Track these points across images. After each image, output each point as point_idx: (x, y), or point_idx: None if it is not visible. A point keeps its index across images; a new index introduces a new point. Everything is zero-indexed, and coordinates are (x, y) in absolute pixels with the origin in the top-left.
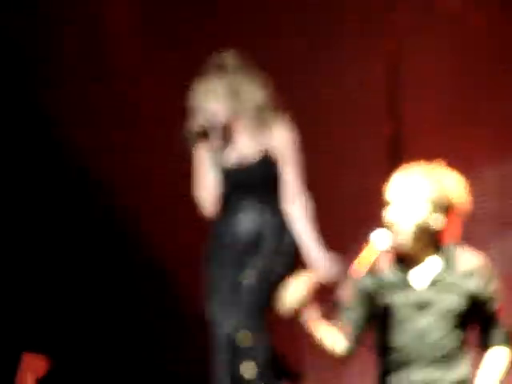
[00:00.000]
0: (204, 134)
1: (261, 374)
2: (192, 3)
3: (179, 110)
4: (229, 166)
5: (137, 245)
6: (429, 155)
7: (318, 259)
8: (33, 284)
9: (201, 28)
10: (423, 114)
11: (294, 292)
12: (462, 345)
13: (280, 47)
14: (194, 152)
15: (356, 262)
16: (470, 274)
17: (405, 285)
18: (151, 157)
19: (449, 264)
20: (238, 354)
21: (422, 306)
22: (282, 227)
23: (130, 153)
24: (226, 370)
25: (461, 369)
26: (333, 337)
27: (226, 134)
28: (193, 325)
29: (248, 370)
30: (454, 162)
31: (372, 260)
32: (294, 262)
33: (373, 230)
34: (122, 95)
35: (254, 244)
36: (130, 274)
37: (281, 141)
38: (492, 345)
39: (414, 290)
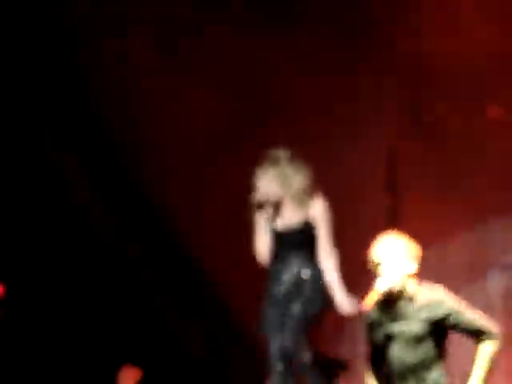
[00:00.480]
0: (260, 206)
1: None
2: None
3: None
4: (278, 230)
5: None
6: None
7: (343, 301)
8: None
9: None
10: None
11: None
12: (430, 359)
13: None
14: (254, 217)
15: (364, 301)
16: (426, 306)
17: (384, 319)
18: None
19: (411, 299)
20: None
21: (393, 335)
22: (319, 277)
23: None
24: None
25: (432, 376)
26: None
27: (277, 207)
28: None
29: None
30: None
31: (373, 299)
32: (327, 303)
33: (375, 279)
34: None
35: (296, 290)
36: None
37: (317, 213)
38: (478, 344)
39: (389, 323)
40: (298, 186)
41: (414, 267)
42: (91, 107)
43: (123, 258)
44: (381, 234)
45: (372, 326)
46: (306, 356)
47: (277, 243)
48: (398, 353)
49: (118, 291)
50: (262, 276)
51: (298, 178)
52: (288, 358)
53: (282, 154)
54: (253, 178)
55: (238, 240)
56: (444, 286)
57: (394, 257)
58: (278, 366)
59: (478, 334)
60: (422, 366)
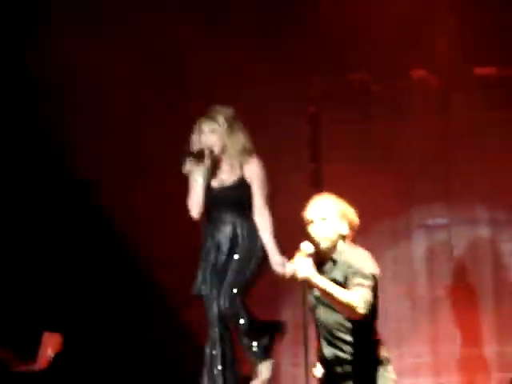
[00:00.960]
0: (199, 156)
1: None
2: None
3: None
4: (214, 187)
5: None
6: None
7: (276, 260)
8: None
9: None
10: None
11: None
12: (347, 322)
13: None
14: (190, 170)
15: (291, 261)
16: (340, 267)
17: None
18: None
19: (334, 261)
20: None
21: (317, 297)
22: (253, 237)
23: None
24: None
25: (351, 342)
26: None
27: (215, 162)
28: None
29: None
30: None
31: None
32: (264, 261)
33: (302, 241)
34: None
35: (233, 247)
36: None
37: (252, 171)
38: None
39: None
40: (237, 145)
41: (344, 227)
42: None
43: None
44: (310, 197)
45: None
46: (244, 319)
47: (211, 201)
48: (322, 315)
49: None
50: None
51: (237, 137)
52: (225, 322)
53: (224, 111)
54: (193, 129)
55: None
56: (368, 250)
57: (326, 215)
58: (215, 331)
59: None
60: (346, 328)
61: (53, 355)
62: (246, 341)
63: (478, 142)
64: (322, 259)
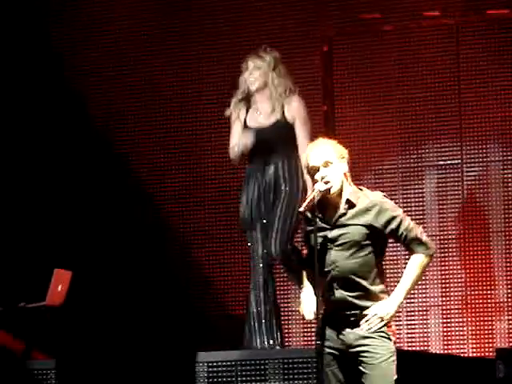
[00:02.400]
0: (241, 99)
1: None
2: None
3: None
4: (250, 125)
5: None
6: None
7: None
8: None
9: None
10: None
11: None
12: (370, 265)
13: None
14: (235, 108)
15: (304, 202)
16: (364, 210)
17: (323, 225)
18: None
19: (350, 204)
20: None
21: (332, 241)
22: (297, 176)
23: None
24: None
25: (368, 285)
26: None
27: (254, 101)
28: None
29: None
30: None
31: (313, 200)
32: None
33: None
34: None
35: (276, 189)
36: None
37: (294, 111)
38: (411, 254)
39: (328, 229)
40: (280, 85)
41: (345, 166)
42: None
43: None
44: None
45: (310, 230)
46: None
47: (252, 142)
48: (337, 258)
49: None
50: None
51: (281, 77)
52: (271, 268)
53: (271, 52)
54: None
55: None
56: (380, 188)
57: (329, 158)
58: (259, 279)
59: (413, 244)
60: (362, 273)
61: (64, 292)
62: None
63: (488, 82)
64: (334, 204)
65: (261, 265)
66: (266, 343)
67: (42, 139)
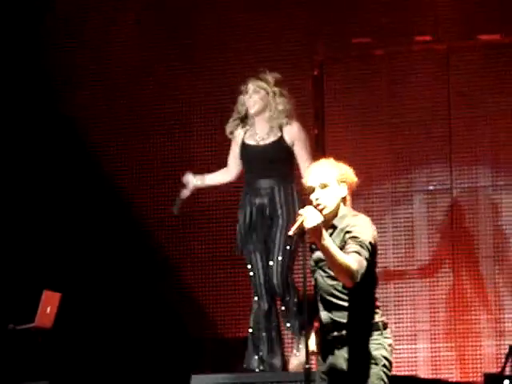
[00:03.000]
0: (241, 119)
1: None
2: None
3: None
4: (248, 143)
5: None
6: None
7: None
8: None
9: None
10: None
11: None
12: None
13: None
14: (233, 127)
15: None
16: (341, 231)
17: (313, 246)
18: None
19: (334, 226)
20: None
21: (317, 262)
22: (293, 201)
23: None
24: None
25: (352, 308)
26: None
27: (252, 123)
28: None
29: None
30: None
31: (301, 225)
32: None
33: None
34: None
35: (273, 214)
36: None
37: (295, 134)
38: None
39: (315, 250)
40: (280, 107)
41: (344, 190)
42: None
43: None
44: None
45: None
46: (291, 296)
47: (247, 159)
48: (319, 279)
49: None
50: None
51: (281, 100)
52: (272, 294)
53: (272, 74)
54: (240, 91)
55: None
56: (370, 215)
57: (327, 181)
58: (263, 303)
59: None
60: (340, 294)
61: (53, 314)
62: (290, 317)
63: (478, 107)
64: (328, 227)
65: (263, 291)
66: (263, 367)
67: (25, 161)
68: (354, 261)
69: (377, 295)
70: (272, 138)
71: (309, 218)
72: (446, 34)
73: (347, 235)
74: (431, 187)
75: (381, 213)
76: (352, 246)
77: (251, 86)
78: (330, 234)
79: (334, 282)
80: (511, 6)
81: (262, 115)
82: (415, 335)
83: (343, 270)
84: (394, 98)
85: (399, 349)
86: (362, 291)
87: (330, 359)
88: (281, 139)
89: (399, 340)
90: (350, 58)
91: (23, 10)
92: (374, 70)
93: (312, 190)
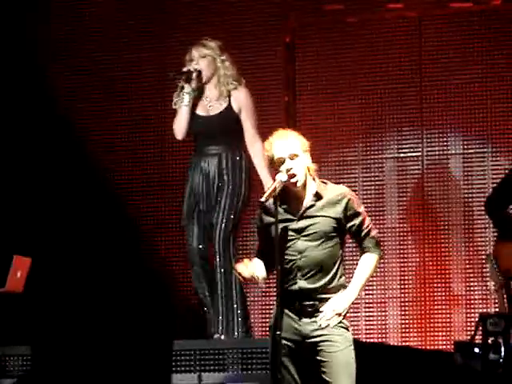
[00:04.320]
0: (188, 77)
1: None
2: None
3: None
4: (199, 114)
5: None
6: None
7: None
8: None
9: None
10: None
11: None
12: (334, 256)
13: None
14: (179, 94)
15: (266, 192)
16: (333, 202)
17: (288, 216)
18: None
19: (318, 196)
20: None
21: (299, 231)
22: (241, 168)
23: None
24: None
25: (331, 277)
26: (263, 273)
27: (202, 87)
28: None
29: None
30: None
31: (274, 191)
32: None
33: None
34: None
35: (220, 180)
36: None
37: (241, 100)
38: (363, 251)
39: (294, 220)
40: (227, 72)
41: (309, 160)
42: None
43: None
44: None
45: (270, 221)
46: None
47: (197, 129)
48: (305, 247)
49: None
50: None
51: (226, 64)
52: (205, 259)
53: (214, 41)
54: (187, 55)
55: None
56: (341, 182)
57: (296, 151)
58: (196, 269)
59: (370, 244)
60: (328, 265)
61: (23, 278)
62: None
63: (449, 74)
64: (297, 196)
65: (197, 257)
66: (220, 332)
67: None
68: (372, 251)
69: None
70: (221, 107)
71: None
72: (418, 1)
73: (344, 210)
74: (402, 154)
75: (351, 179)
76: (361, 225)
77: (196, 53)
78: (312, 206)
79: (324, 252)
80: None
81: (210, 82)
82: (385, 302)
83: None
84: (366, 66)
85: (369, 316)
86: (340, 258)
87: (296, 326)
88: (229, 108)
89: (369, 307)
90: (322, 25)
91: None
92: (346, 38)
93: (281, 161)
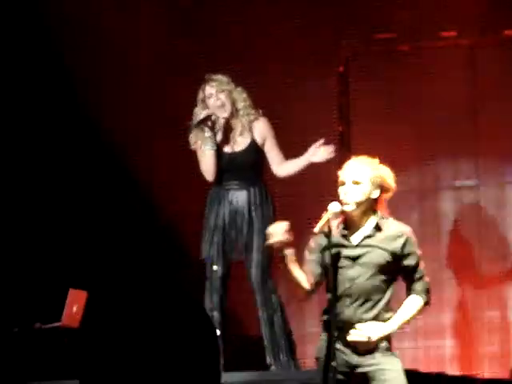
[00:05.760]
0: (209, 123)
1: None
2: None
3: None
4: (226, 151)
5: None
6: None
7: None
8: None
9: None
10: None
11: (279, 229)
12: (384, 291)
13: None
14: (196, 141)
15: (318, 222)
16: (393, 237)
17: (345, 242)
18: None
19: (378, 228)
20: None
21: (354, 259)
22: (269, 202)
23: None
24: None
25: (378, 311)
26: (301, 276)
27: (226, 125)
28: None
29: None
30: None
31: (328, 222)
32: None
33: (330, 202)
34: None
35: (250, 214)
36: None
37: (263, 130)
38: (410, 293)
39: (350, 247)
40: (245, 103)
41: (377, 192)
42: None
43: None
44: (338, 159)
45: (325, 247)
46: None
47: (226, 167)
48: (357, 275)
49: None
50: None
51: (243, 96)
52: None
53: (225, 77)
54: (199, 93)
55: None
56: (396, 211)
57: (359, 178)
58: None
59: (421, 288)
60: (377, 296)
61: (80, 312)
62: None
63: (505, 102)
64: (356, 224)
65: (218, 285)
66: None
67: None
68: (424, 296)
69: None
70: (246, 141)
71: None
72: (471, 29)
73: (396, 247)
74: (458, 183)
75: (407, 209)
76: (415, 270)
77: (211, 89)
78: (370, 236)
79: (375, 283)
80: None
81: (231, 116)
82: (442, 332)
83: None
84: (420, 94)
85: (428, 346)
86: (389, 295)
87: (344, 357)
88: (254, 142)
89: (427, 336)
90: (374, 54)
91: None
92: (398, 66)
93: (342, 183)
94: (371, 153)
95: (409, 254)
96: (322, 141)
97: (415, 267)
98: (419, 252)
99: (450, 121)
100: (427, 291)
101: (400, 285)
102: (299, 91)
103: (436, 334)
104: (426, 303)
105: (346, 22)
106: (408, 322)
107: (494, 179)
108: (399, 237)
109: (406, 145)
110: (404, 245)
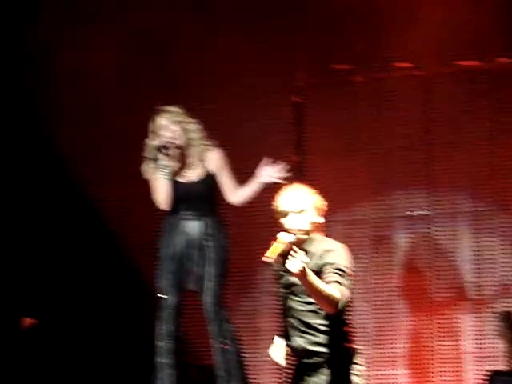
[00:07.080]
0: (164, 150)
1: None
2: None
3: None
4: (181, 181)
5: None
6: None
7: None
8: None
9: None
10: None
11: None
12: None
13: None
14: (152, 165)
15: (268, 251)
16: (316, 254)
17: (284, 271)
18: None
19: (311, 250)
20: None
21: (289, 286)
22: (224, 232)
23: None
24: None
25: (318, 331)
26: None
27: (179, 155)
28: None
29: None
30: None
31: (278, 251)
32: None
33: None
34: None
35: (203, 245)
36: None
37: (217, 161)
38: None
39: (288, 275)
40: (198, 134)
41: (320, 219)
42: None
43: None
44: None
45: (277, 277)
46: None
47: (181, 197)
48: (295, 305)
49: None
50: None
51: (195, 127)
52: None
53: (177, 108)
54: (151, 125)
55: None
56: (350, 241)
57: (302, 206)
58: (163, 328)
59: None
60: (314, 319)
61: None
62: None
63: (458, 133)
64: (301, 249)
65: (169, 315)
66: None
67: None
68: (338, 290)
69: (350, 321)
70: (200, 171)
71: (292, 263)
72: (426, 60)
73: (323, 262)
74: (410, 213)
75: (361, 239)
76: (331, 276)
77: (164, 120)
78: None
79: (310, 307)
80: (487, 31)
81: (184, 147)
82: (394, 361)
83: (326, 301)
84: (374, 124)
85: (379, 374)
86: (337, 316)
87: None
88: (208, 172)
89: (379, 366)
90: (329, 85)
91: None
92: (353, 97)
93: (285, 214)
94: (326, 182)
95: (325, 264)
96: (266, 160)
97: (326, 276)
98: (340, 262)
99: (403, 151)
100: (343, 296)
101: None
102: (254, 121)
103: (388, 364)
104: (337, 303)
105: (302, 53)
106: (319, 290)
107: (446, 209)
108: (320, 253)
109: (360, 175)
110: (322, 256)
